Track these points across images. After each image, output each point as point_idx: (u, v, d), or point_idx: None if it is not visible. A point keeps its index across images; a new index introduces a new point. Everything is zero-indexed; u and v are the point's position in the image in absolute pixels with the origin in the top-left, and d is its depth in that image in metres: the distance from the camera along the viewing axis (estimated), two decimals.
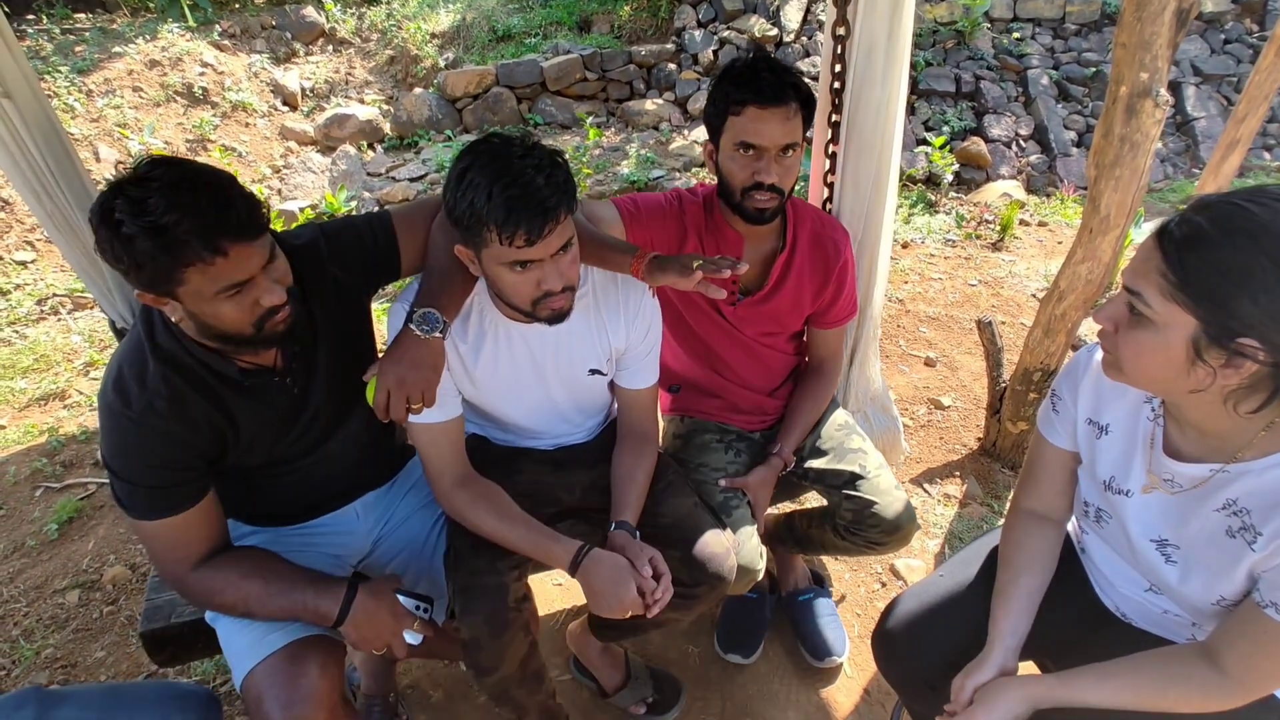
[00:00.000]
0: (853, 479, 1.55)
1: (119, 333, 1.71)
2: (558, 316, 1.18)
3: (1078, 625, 1.19)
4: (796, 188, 1.48)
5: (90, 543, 2.28)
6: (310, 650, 1.14)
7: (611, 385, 1.48)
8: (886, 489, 1.54)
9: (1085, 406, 1.10)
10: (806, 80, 1.36)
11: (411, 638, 1.22)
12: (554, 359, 1.34)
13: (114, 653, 1.92)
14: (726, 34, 5.98)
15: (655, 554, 1.27)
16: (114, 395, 1.05)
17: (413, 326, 1.14)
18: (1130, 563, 1.10)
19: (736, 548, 1.43)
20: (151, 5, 5.85)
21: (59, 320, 3.66)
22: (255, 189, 4.87)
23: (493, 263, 1.11)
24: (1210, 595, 0.97)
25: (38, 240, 4.22)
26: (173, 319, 1.03)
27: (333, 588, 1.17)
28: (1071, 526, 1.28)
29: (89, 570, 2.18)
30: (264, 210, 1.00)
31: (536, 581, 2.03)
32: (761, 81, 1.32)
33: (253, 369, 1.14)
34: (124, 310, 1.68)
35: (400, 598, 1.23)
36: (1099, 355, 1.09)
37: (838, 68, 1.68)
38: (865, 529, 1.54)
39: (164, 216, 0.88)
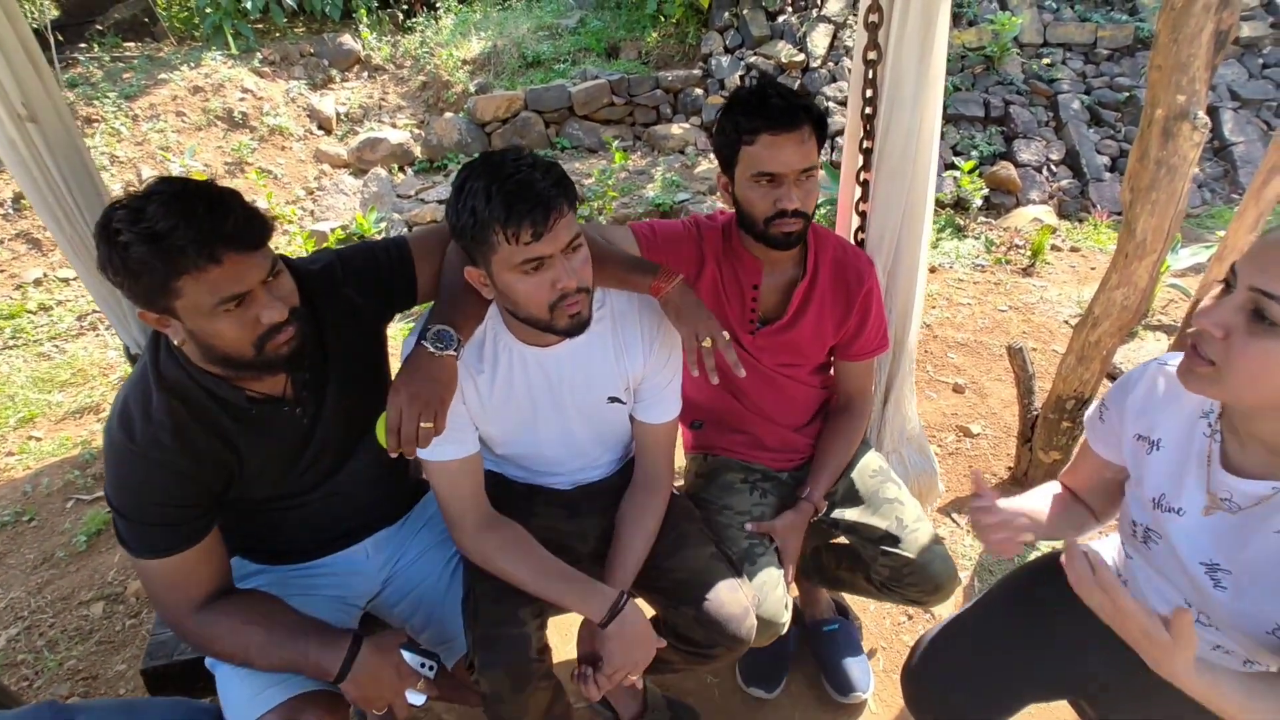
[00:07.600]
0: (889, 536, 1.46)
1: (133, 359, 1.68)
2: (578, 324, 1.14)
3: (1119, 666, 1.13)
4: (822, 212, 1.45)
5: (116, 555, 2.31)
6: (310, 707, 1.08)
7: (631, 418, 1.43)
8: (926, 544, 1.44)
9: (1133, 422, 1.06)
10: (828, 104, 1.35)
11: (415, 698, 1.15)
12: (570, 385, 1.29)
13: (134, 666, 1.93)
14: (753, 59, 6.02)
15: None
16: (118, 429, 1.02)
17: (426, 343, 1.10)
18: (1180, 588, 1.04)
19: (758, 602, 1.34)
20: (197, 34, 6.08)
21: (97, 335, 3.76)
22: (289, 209, 4.99)
23: (504, 270, 1.08)
24: (1265, 624, 0.91)
25: None
26: (175, 341, 1.01)
27: (335, 641, 1.11)
28: (1113, 559, 1.22)
29: (114, 583, 2.21)
30: (265, 224, 0.98)
31: None
32: (771, 108, 1.27)
33: (261, 398, 1.10)
34: (138, 335, 1.65)
35: (405, 654, 1.15)
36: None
37: (869, 93, 1.64)
38: (904, 587, 1.47)
39: (159, 223, 0.89)
